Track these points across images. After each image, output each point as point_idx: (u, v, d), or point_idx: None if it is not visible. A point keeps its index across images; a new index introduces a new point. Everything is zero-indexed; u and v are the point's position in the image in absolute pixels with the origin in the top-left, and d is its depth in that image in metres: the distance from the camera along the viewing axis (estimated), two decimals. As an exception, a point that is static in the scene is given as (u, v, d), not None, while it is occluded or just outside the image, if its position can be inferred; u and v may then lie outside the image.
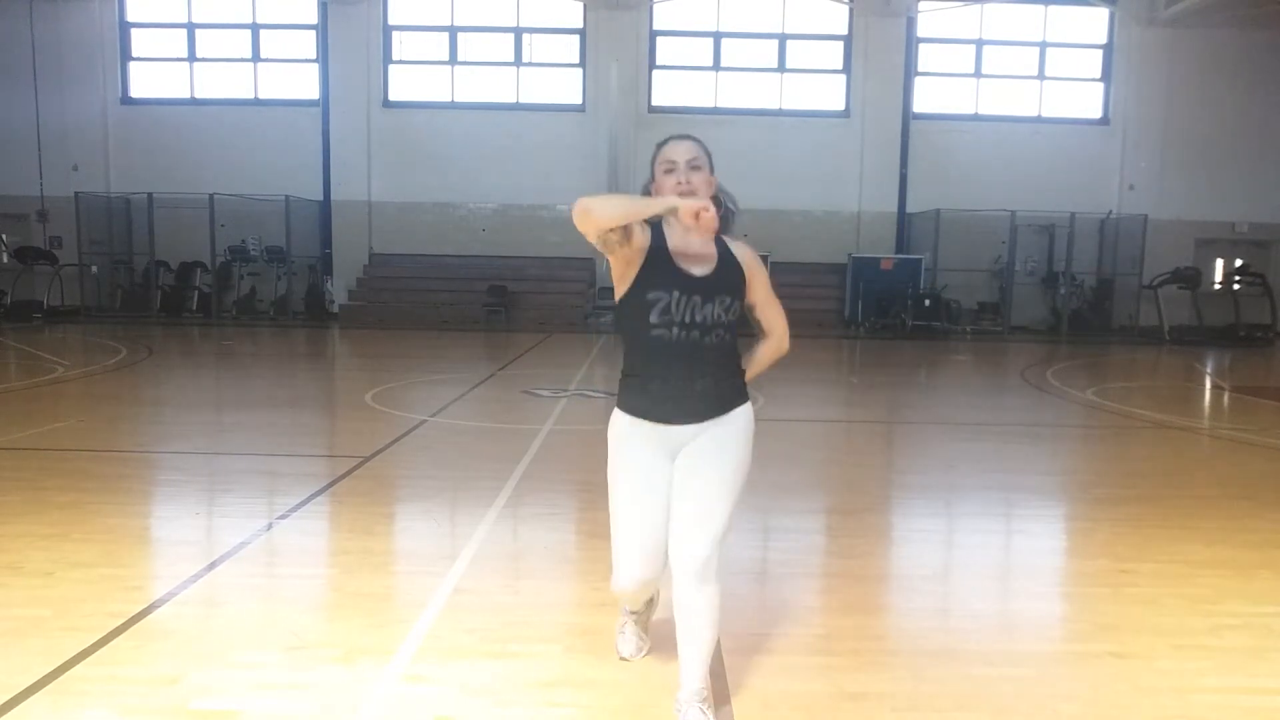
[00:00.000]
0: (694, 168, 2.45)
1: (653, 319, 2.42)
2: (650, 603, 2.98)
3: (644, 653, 2.98)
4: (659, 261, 2.43)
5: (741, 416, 2.54)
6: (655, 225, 2.51)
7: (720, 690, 2.72)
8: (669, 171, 2.45)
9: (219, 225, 17.77)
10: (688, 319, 2.41)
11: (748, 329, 2.66)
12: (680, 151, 2.46)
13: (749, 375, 2.60)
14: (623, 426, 2.55)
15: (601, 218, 2.24)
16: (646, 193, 2.54)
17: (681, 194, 2.39)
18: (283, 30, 18.81)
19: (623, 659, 2.96)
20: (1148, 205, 18.29)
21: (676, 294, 2.40)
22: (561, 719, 2.57)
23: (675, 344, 2.43)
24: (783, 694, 2.71)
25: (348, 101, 18.54)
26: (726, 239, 2.56)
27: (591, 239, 2.33)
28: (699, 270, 2.45)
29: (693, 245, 2.46)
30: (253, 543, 4.07)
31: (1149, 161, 18.61)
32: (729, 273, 2.49)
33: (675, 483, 2.49)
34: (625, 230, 2.36)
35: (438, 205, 18.95)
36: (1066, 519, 5.02)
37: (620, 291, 2.49)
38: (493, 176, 18.65)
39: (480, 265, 18.56)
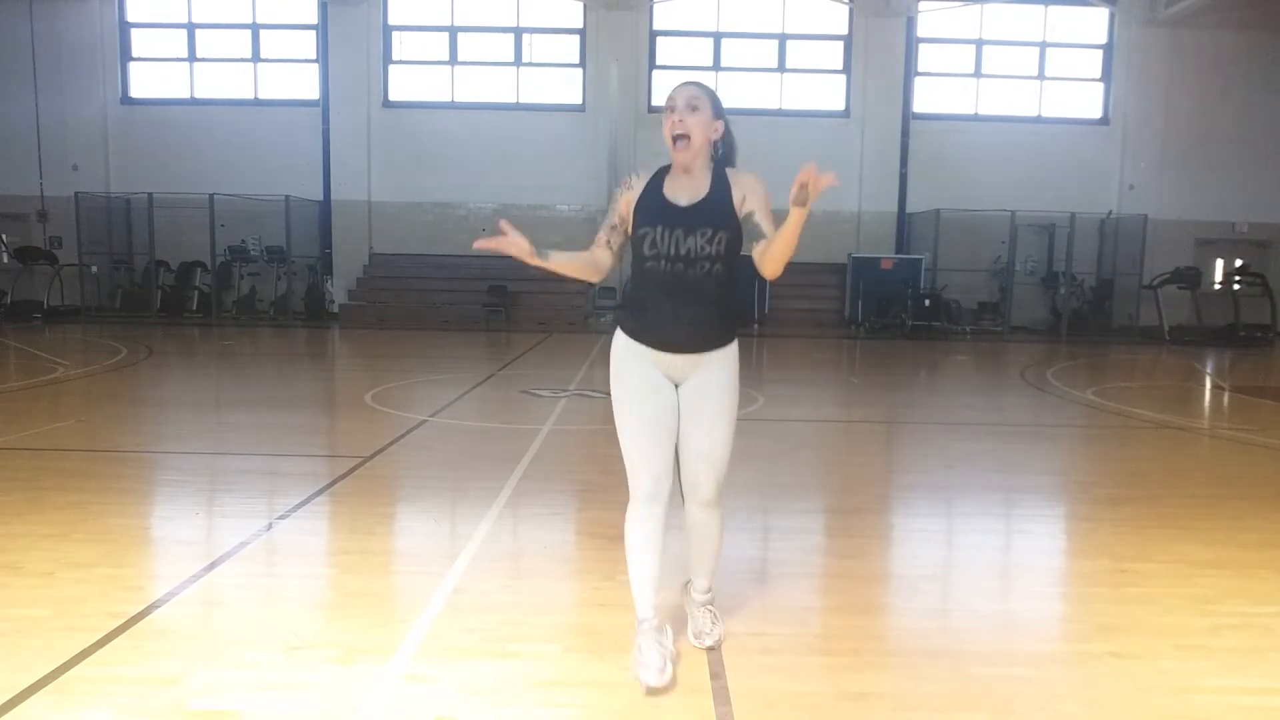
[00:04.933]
0: (692, 108, 2.66)
1: (645, 251, 2.66)
2: (661, 618, 2.81)
3: (668, 675, 2.64)
4: (649, 197, 2.69)
5: (728, 357, 2.77)
6: (655, 169, 2.75)
7: (720, 690, 2.72)
8: (671, 110, 2.68)
9: (219, 225, 17.73)
10: (673, 252, 2.62)
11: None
12: (680, 95, 2.68)
13: (780, 244, 2.59)
14: (621, 346, 2.80)
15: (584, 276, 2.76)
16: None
17: (675, 135, 2.65)
18: (283, 30, 18.78)
19: (651, 689, 2.63)
20: (1148, 205, 18.27)
21: (660, 228, 2.62)
22: (561, 719, 2.57)
23: (664, 275, 2.65)
24: (783, 694, 2.71)
25: (348, 101, 18.52)
26: (728, 171, 2.74)
27: (616, 262, 2.82)
28: (684, 201, 2.66)
29: (682, 181, 2.71)
30: (253, 543, 4.06)
31: (1149, 161, 18.58)
32: (716, 203, 2.66)
33: (681, 424, 2.74)
34: (620, 225, 2.76)
35: (438, 205, 18.94)
36: (1066, 519, 5.02)
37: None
38: (493, 176, 18.62)
39: (480, 265, 18.52)
